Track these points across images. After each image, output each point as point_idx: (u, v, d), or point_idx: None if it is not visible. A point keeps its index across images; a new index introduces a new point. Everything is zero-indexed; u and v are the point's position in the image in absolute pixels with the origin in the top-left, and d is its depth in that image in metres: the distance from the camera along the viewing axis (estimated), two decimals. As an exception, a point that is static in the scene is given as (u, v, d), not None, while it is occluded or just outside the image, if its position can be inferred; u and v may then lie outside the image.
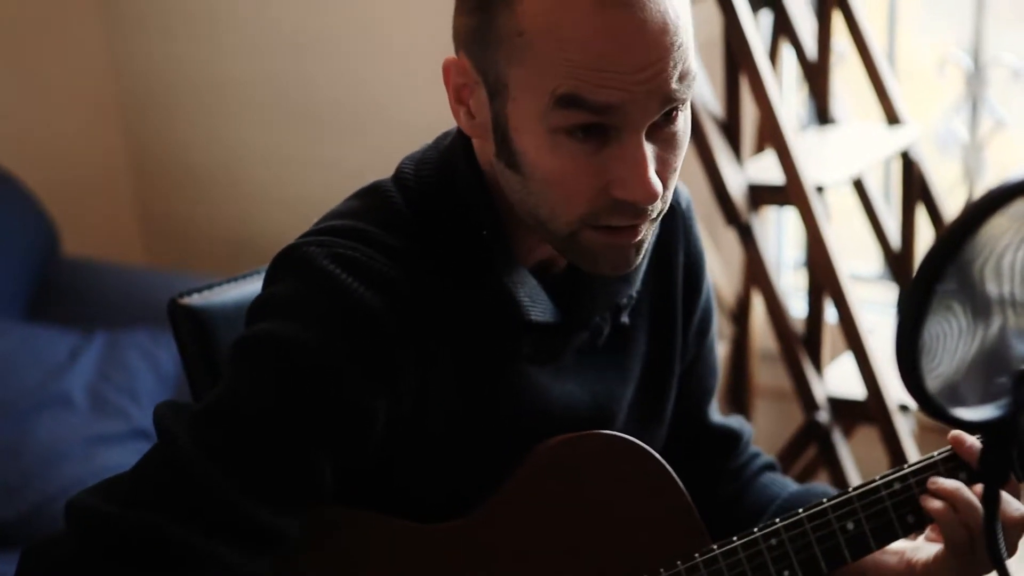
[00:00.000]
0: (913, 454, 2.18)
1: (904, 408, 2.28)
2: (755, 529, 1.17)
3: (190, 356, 1.30)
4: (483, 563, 1.15)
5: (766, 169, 2.28)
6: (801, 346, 2.29)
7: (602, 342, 1.21)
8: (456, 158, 1.14)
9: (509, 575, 1.14)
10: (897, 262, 2.49)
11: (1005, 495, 1.15)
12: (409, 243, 1.11)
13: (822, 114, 2.46)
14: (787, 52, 2.53)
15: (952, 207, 2.47)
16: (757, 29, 2.22)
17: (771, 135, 2.16)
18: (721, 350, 2.57)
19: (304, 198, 3.04)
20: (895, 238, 2.48)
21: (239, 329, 1.11)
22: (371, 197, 1.15)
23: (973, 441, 1.17)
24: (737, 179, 2.23)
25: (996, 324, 0.89)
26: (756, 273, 2.27)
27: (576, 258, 1.11)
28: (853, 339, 2.18)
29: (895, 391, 2.20)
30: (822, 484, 1.36)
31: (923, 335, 0.84)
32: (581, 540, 1.16)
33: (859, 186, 2.48)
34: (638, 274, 1.21)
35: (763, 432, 2.79)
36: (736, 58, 2.26)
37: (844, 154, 2.36)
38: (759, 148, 2.52)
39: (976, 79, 2.68)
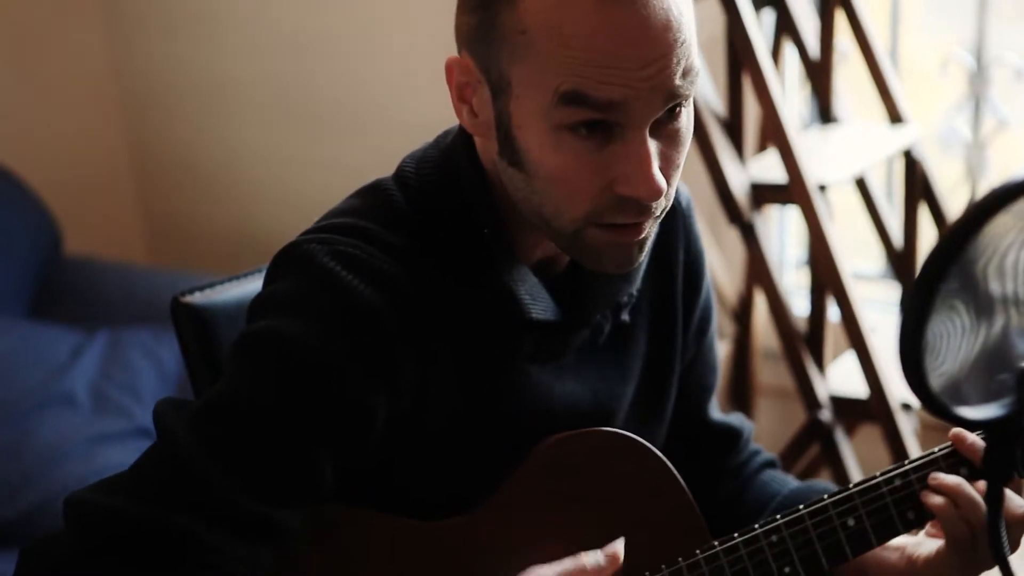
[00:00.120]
0: (915, 452, 2.17)
1: (906, 407, 2.28)
2: (756, 526, 1.17)
3: (192, 354, 1.30)
4: (484, 561, 1.15)
5: (769, 168, 2.28)
6: (803, 345, 2.29)
7: (603, 340, 1.21)
8: (458, 156, 1.14)
9: (510, 573, 1.13)
10: (899, 261, 2.48)
11: (1008, 492, 1.15)
12: (410, 241, 1.11)
13: (825, 113, 2.46)
14: (790, 51, 2.53)
15: (954, 206, 2.47)
16: (760, 28, 2.22)
17: (774, 134, 2.16)
18: (723, 349, 2.57)
19: (305, 197, 3.04)
20: (897, 237, 2.48)
21: (241, 327, 1.11)
22: (372, 195, 1.15)
23: (974, 439, 1.17)
24: (740, 178, 2.23)
25: (999, 323, 0.89)
26: (758, 272, 2.27)
27: (579, 255, 1.11)
28: (855, 338, 2.18)
29: (897, 390, 2.20)
30: (822, 481, 1.36)
31: (927, 334, 0.84)
32: (582, 538, 1.16)
33: (861, 185, 2.48)
34: (639, 272, 1.21)
35: (765, 431, 2.79)
36: (739, 57, 2.26)
37: (847, 153, 2.36)
38: (762, 147, 2.52)
39: (979, 78, 2.68)
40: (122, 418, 2.52)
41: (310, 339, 1.05)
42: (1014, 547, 1.15)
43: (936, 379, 0.87)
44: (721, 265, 2.60)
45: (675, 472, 1.20)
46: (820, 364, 2.32)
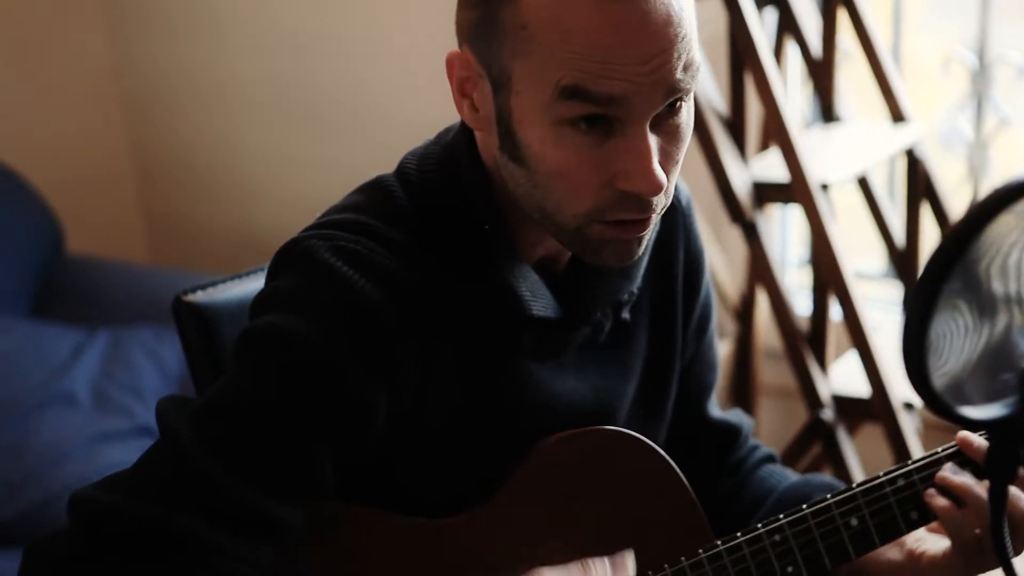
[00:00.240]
0: (917, 452, 2.17)
1: (909, 406, 2.28)
2: (759, 525, 1.17)
3: (194, 353, 1.30)
4: (485, 560, 1.14)
5: (771, 167, 2.28)
6: (805, 344, 2.29)
7: (603, 338, 1.20)
8: (459, 153, 1.13)
9: (511, 572, 1.13)
10: (902, 260, 2.48)
11: (1014, 491, 1.15)
12: (411, 237, 1.11)
13: (827, 112, 2.46)
14: (792, 50, 2.53)
15: (956, 205, 2.47)
16: (762, 27, 2.22)
17: (776, 133, 2.16)
18: (725, 348, 2.57)
19: (305, 196, 3.04)
20: (900, 236, 2.48)
21: (243, 325, 1.11)
22: (373, 191, 1.15)
23: (981, 441, 1.17)
24: (742, 177, 2.23)
25: (1002, 322, 0.89)
26: (761, 271, 2.27)
27: (580, 250, 1.11)
28: (858, 337, 2.18)
29: (900, 389, 2.20)
30: (821, 475, 1.36)
31: (930, 334, 0.84)
32: (584, 537, 1.16)
33: (864, 184, 2.47)
34: (639, 270, 1.20)
35: (767, 430, 2.79)
36: (741, 56, 2.26)
37: (849, 152, 2.35)
38: (764, 146, 2.52)
39: (981, 77, 2.68)
40: (123, 417, 2.52)
41: (311, 335, 1.05)
42: (1019, 548, 1.15)
43: (939, 379, 0.87)
44: (723, 264, 2.60)
45: (678, 471, 1.19)
46: (822, 363, 2.32)
